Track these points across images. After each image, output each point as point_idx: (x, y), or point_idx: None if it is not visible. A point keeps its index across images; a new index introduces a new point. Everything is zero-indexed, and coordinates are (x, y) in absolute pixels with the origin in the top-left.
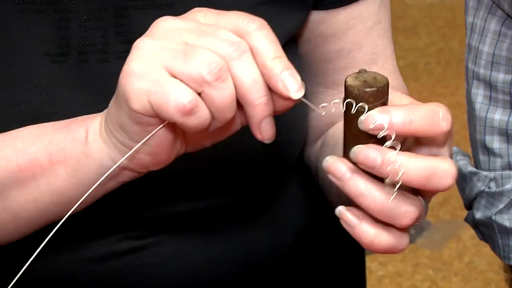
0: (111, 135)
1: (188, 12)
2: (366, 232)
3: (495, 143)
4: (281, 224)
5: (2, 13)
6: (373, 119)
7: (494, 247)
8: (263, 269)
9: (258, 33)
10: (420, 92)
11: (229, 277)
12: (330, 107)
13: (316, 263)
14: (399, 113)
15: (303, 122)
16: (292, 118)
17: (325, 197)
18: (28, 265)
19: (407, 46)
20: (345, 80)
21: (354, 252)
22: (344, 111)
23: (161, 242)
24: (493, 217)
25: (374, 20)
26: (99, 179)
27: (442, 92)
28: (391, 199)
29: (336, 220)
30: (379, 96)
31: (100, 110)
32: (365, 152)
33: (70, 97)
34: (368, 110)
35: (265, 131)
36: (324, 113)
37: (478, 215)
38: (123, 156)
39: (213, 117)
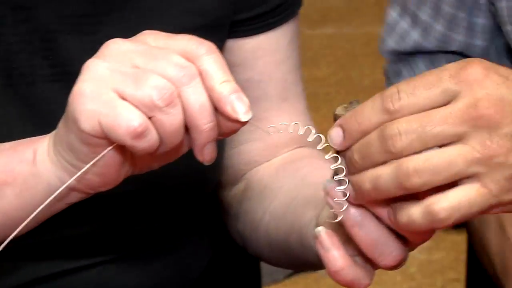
0: (59, 156)
1: (138, 35)
2: (337, 259)
3: None
4: (188, 258)
5: None
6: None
7: None
8: None
9: (207, 57)
10: (321, 123)
11: None
12: (278, 128)
13: None
14: None
15: (222, 151)
16: None
17: (249, 245)
18: None
19: (308, 77)
20: (334, 110)
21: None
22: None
23: (74, 272)
24: None
25: (284, 55)
26: (46, 200)
27: None
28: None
29: (235, 256)
30: None
31: (30, 132)
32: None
33: (0, 118)
34: None
35: (207, 154)
36: (272, 133)
37: None
38: (71, 177)
39: (161, 141)
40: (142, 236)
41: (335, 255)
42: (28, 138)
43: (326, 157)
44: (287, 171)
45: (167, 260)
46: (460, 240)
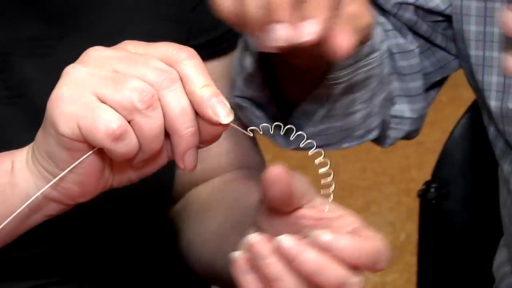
0: (38, 164)
1: (118, 44)
2: (252, 284)
3: None
4: (140, 280)
5: None
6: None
7: None
8: None
9: (188, 61)
10: (270, 146)
11: None
12: (259, 130)
13: None
14: (348, 246)
15: (173, 169)
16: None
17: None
18: None
19: None
20: None
21: None
22: None
23: None
24: None
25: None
26: (25, 211)
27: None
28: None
29: (187, 277)
30: None
31: None
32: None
33: None
34: None
35: (188, 162)
36: (252, 135)
37: None
38: (51, 186)
39: (140, 147)
40: (92, 259)
41: (250, 279)
42: (7, 151)
43: (316, 161)
44: (223, 192)
45: (116, 284)
46: (412, 262)
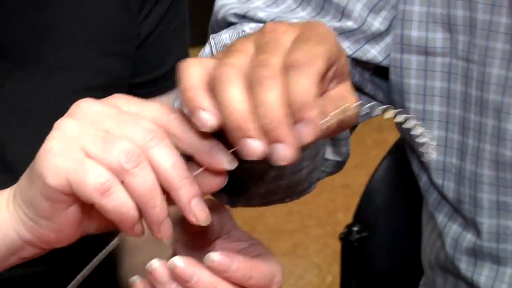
0: (18, 208)
1: (110, 97)
2: None
3: None
4: None
5: None
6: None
7: None
8: None
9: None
10: None
11: None
12: None
13: None
14: (242, 267)
15: None
16: None
17: None
18: None
19: None
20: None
21: None
22: None
23: None
24: None
25: None
26: (2, 253)
27: None
28: None
29: None
30: None
31: None
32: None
33: None
34: None
35: (197, 213)
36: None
37: None
38: (28, 231)
39: (141, 206)
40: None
41: None
42: None
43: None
44: None
45: None
46: None
